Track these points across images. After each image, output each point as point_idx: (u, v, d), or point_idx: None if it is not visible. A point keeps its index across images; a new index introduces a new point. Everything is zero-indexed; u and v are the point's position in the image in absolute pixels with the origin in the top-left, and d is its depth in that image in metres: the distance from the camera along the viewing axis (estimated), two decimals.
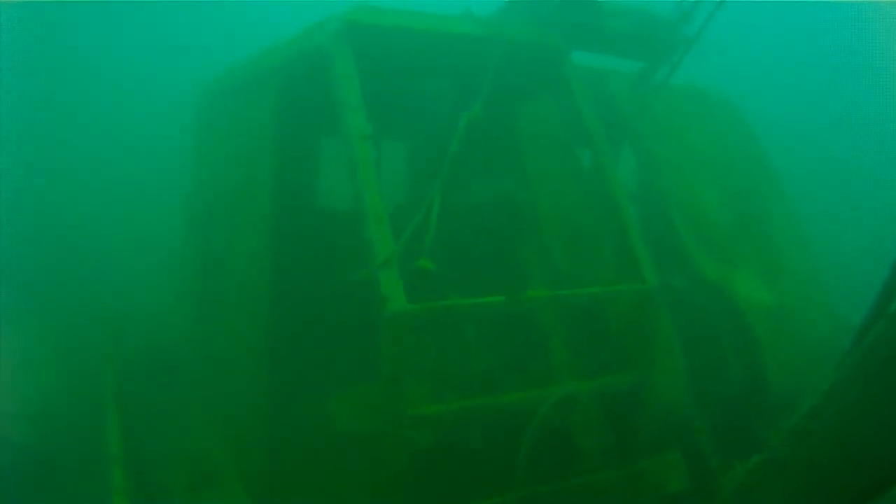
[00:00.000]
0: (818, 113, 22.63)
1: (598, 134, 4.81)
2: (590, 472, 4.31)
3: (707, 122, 7.11)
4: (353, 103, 4.12)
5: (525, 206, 5.47)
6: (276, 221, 4.92)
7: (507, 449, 3.99)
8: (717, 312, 5.60)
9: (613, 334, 4.69)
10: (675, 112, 6.85)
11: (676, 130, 6.76)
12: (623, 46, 6.25)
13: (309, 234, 5.97)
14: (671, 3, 6.18)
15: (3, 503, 6.44)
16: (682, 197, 6.26)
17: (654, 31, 6.12)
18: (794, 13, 25.63)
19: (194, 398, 6.40)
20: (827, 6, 25.53)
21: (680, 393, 4.72)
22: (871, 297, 3.19)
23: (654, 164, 6.34)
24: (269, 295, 4.83)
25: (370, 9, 4.62)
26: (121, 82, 18.18)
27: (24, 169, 14.79)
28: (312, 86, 4.92)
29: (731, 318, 5.55)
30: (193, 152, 7.29)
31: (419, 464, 3.77)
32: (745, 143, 7.29)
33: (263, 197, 5.01)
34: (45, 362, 8.31)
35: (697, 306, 5.66)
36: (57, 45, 17.98)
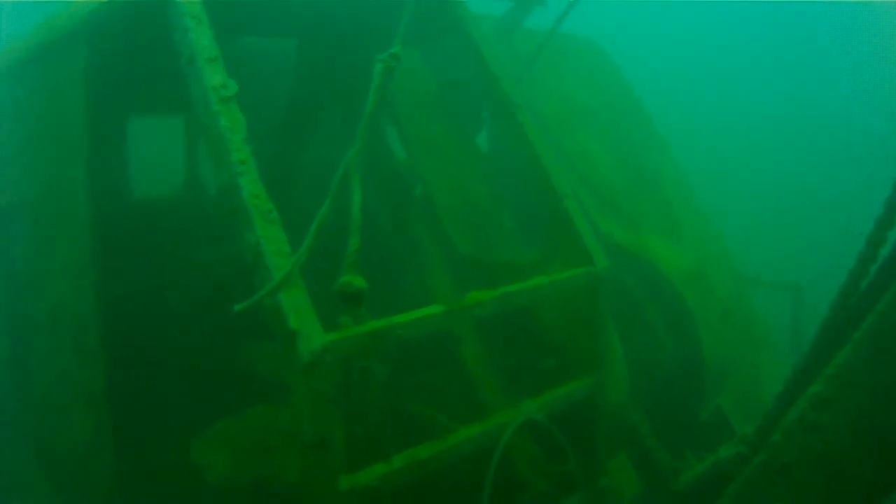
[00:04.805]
0: None
1: (508, 83, 3.83)
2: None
3: (582, 70, 6.42)
4: (208, 54, 2.94)
5: (409, 180, 4.46)
6: (96, 223, 3.75)
7: (458, 492, 3.11)
8: (637, 283, 4.89)
9: (553, 332, 3.79)
10: (548, 60, 6.06)
11: (552, 80, 6.00)
12: None
13: (134, 233, 4.67)
14: None
15: None
16: (572, 154, 5.52)
17: None
18: None
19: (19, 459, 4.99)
20: None
21: (625, 388, 3.94)
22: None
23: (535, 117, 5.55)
24: (97, 317, 3.67)
25: None
26: None
27: None
28: (131, 43, 3.79)
29: (657, 289, 4.86)
30: None
31: None
32: (622, 92, 6.69)
33: (78, 192, 3.81)
34: None
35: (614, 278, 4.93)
36: None
